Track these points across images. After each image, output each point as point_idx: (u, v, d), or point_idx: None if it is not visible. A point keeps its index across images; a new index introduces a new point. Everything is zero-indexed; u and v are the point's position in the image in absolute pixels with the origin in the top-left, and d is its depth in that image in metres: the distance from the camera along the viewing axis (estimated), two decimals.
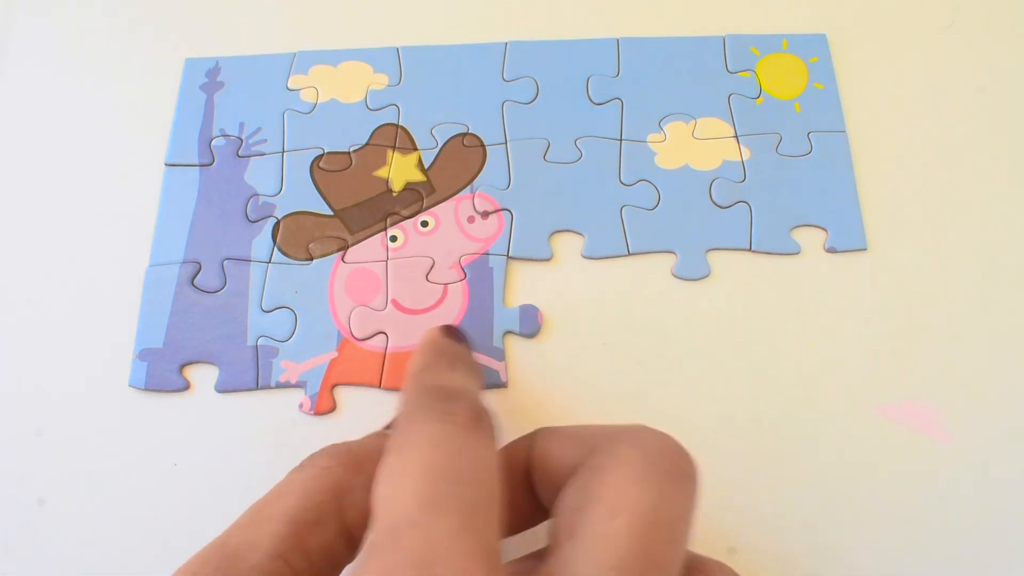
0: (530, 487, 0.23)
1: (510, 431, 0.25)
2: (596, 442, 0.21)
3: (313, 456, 0.23)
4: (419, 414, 0.21)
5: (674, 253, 0.35)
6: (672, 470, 0.20)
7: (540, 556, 0.21)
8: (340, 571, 0.22)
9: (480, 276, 0.34)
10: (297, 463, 0.32)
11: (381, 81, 0.39)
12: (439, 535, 0.17)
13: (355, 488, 0.21)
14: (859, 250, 0.35)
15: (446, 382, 0.24)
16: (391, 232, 0.35)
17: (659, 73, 0.39)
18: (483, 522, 0.18)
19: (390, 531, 0.18)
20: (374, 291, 0.34)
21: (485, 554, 0.18)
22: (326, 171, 0.37)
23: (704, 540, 0.30)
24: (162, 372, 0.33)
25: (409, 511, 0.18)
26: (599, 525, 0.18)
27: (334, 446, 0.23)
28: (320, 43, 0.40)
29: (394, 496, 0.19)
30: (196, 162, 0.37)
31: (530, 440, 0.23)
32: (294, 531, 0.20)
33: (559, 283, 0.34)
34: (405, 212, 0.36)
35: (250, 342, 0.33)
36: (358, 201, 0.36)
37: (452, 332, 0.28)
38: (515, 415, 0.32)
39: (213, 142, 0.37)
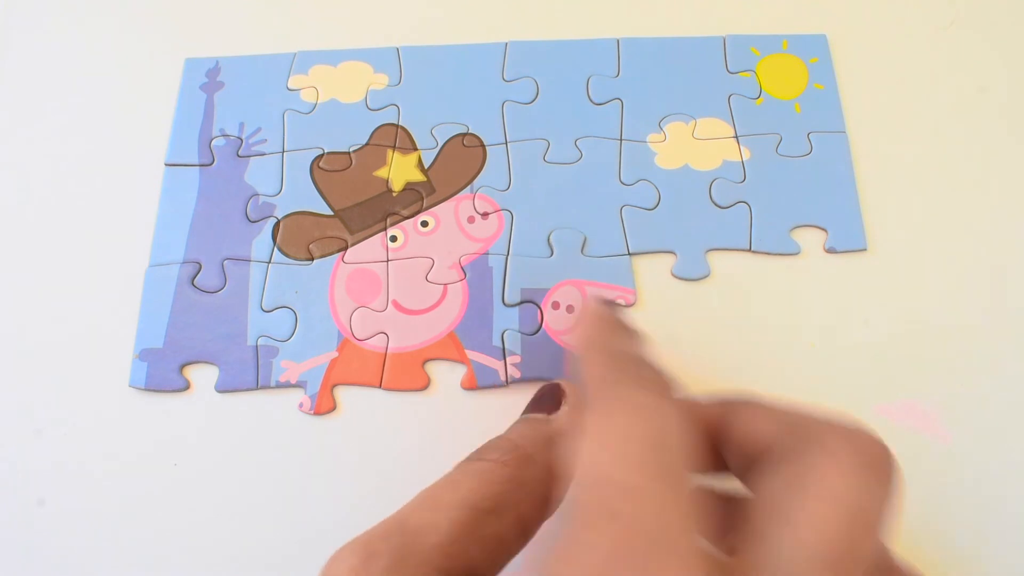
0: (714, 446, 0.24)
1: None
2: (804, 428, 0.21)
3: (480, 450, 0.24)
4: (618, 381, 0.21)
5: (674, 253, 0.35)
6: (880, 468, 0.20)
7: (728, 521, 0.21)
8: (508, 560, 0.22)
9: (480, 276, 0.34)
10: (297, 462, 0.32)
11: (381, 81, 0.39)
12: (659, 505, 0.17)
13: (528, 481, 0.22)
14: (859, 250, 0.35)
15: (632, 350, 0.24)
16: (391, 232, 0.35)
17: (659, 73, 0.39)
18: (688, 490, 0.18)
19: (603, 496, 0.17)
20: (374, 291, 0.34)
21: (694, 525, 0.18)
22: (326, 171, 0.37)
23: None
24: (162, 372, 0.33)
25: (626, 476, 0.18)
26: (809, 513, 0.19)
27: (499, 440, 0.24)
28: (320, 43, 0.40)
29: (608, 461, 0.18)
30: (196, 162, 0.37)
31: (726, 405, 0.24)
32: (473, 517, 0.21)
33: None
34: (405, 212, 0.36)
35: (250, 342, 0.33)
36: (358, 201, 0.36)
37: (610, 304, 0.29)
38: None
39: (213, 142, 0.37)
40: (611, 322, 0.26)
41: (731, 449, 0.23)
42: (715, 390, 0.24)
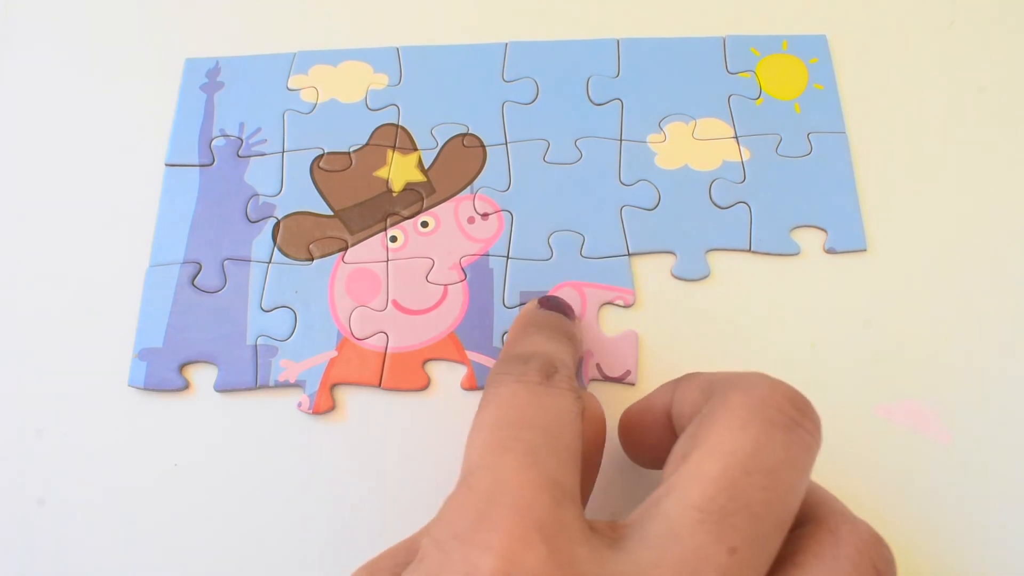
0: (673, 428, 0.24)
1: None
2: (715, 389, 0.21)
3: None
4: (496, 379, 0.23)
5: (674, 253, 0.35)
6: (777, 417, 0.19)
7: None
8: None
9: (480, 277, 0.34)
10: (296, 462, 0.32)
11: (381, 81, 0.39)
12: (504, 472, 0.19)
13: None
14: (859, 251, 0.35)
15: (526, 348, 0.25)
16: (391, 232, 0.35)
17: (659, 73, 0.39)
18: (552, 459, 0.20)
19: (464, 478, 0.20)
20: (374, 291, 0.34)
21: (550, 485, 0.19)
22: (326, 171, 0.37)
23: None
24: (161, 372, 0.33)
25: (479, 457, 0.21)
26: (692, 467, 0.19)
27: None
28: (320, 43, 0.40)
29: (468, 450, 0.21)
30: (196, 162, 0.37)
31: (675, 384, 0.25)
32: None
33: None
34: (405, 212, 0.36)
35: (249, 341, 0.33)
36: (358, 201, 0.36)
37: (547, 302, 0.30)
38: None
39: (213, 142, 0.37)
40: (527, 323, 0.28)
41: (676, 426, 0.24)
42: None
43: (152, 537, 0.31)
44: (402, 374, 0.33)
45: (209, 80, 0.39)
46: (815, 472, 0.31)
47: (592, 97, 0.38)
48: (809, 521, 0.21)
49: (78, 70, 0.40)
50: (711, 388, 0.22)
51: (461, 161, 0.37)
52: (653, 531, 0.18)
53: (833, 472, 0.31)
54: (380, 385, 0.33)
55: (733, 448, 0.19)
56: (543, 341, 0.26)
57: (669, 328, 0.34)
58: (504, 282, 0.34)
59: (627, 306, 0.34)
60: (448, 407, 0.32)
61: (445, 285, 0.34)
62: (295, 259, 0.35)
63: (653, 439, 0.25)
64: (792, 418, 0.20)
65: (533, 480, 0.19)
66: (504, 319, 0.34)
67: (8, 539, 0.31)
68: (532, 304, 0.30)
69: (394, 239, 0.35)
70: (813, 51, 0.39)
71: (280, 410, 0.32)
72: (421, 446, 0.32)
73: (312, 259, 0.35)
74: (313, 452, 0.32)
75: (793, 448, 0.19)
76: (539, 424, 0.21)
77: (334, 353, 0.33)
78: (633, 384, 0.33)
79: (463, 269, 0.35)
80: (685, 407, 0.23)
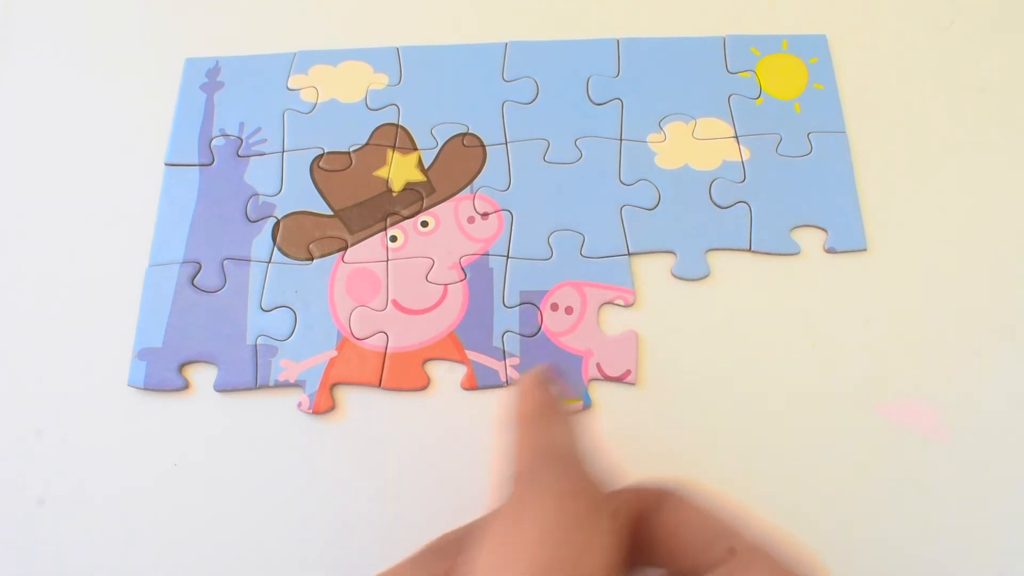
0: (632, 536, 0.23)
1: None
2: (735, 544, 0.21)
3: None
4: (533, 479, 0.21)
5: (674, 253, 0.35)
6: None
7: None
8: None
9: (480, 276, 0.34)
10: (296, 461, 0.32)
11: (381, 81, 0.39)
12: None
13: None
14: (859, 250, 0.35)
15: (562, 440, 0.23)
16: (391, 232, 0.35)
17: (659, 73, 0.39)
18: None
19: None
20: (374, 291, 0.34)
21: None
22: (326, 171, 0.37)
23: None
24: (161, 371, 0.33)
25: None
26: None
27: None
28: (320, 43, 0.40)
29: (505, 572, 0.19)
30: (196, 162, 0.37)
31: (659, 500, 0.23)
32: None
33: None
34: (405, 212, 0.36)
35: (249, 341, 0.33)
36: (358, 201, 0.36)
37: (548, 375, 0.27)
38: None
39: (213, 142, 0.37)
40: (548, 405, 0.25)
41: (658, 547, 0.23)
42: (642, 479, 0.23)
43: (152, 537, 0.31)
44: (402, 374, 0.33)
45: (209, 80, 0.39)
46: (816, 468, 0.31)
47: (592, 97, 0.38)
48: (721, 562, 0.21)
49: (78, 70, 0.40)
50: (729, 539, 0.21)
51: (461, 161, 0.37)
52: None
53: (833, 472, 0.31)
54: (380, 385, 0.33)
55: None
56: (570, 433, 0.24)
57: (669, 328, 0.34)
58: (504, 282, 0.34)
59: (627, 306, 0.34)
60: (448, 407, 0.32)
61: (445, 285, 0.34)
62: (295, 259, 0.35)
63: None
64: None
65: None
66: (504, 319, 0.34)
67: (8, 539, 0.31)
68: (534, 377, 0.26)
69: (394, 239, 0.35)
70: (813, 51, 0.39)
71: (280, 410, 0.32)
72: (421, 446, 0.32)
73: (312, 259, 0.35)
74: (313, 452, 0.32)
75: None
76: (583, 562, 0.20)
77: (334, 353, 0.33)
78: (633, 384, 0.33)
79: (463, 269, 0.35)
80: (685, 541, 0.22)
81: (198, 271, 0.35)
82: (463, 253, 0.35)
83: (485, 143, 0.37)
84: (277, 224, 0.36)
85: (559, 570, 0.19)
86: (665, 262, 0.35)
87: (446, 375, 0.33)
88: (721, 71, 0.39)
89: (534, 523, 0.19)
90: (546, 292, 0.34)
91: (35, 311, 0.34)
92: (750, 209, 0.36)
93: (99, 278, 0.35)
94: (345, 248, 0.35)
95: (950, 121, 0.38)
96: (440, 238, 0.35)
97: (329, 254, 0.35)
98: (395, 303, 0.34)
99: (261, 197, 0.36)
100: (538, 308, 0.34)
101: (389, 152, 0.37)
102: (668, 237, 0.35)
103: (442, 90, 0.38)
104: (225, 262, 0.35)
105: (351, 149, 0.37)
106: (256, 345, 0.33)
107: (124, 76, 0.40)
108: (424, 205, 0.36)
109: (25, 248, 0.36)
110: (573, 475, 0.21)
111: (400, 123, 0.38)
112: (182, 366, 0.33)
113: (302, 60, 0.39)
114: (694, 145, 0.37)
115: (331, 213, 0.36)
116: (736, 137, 0.37)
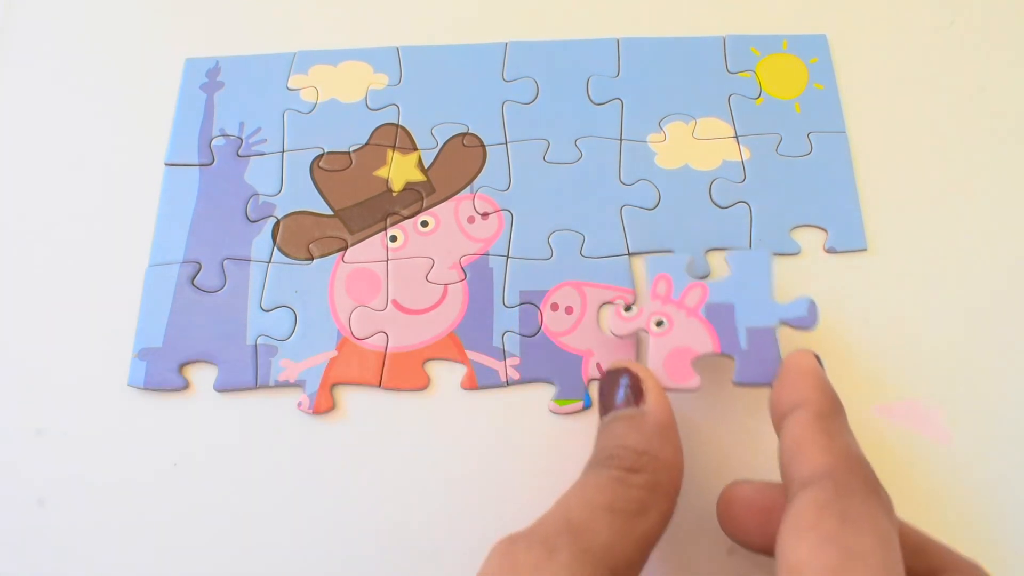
0: None
1: None
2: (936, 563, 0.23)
3: (606, 460, 0.25)
4: (854, 491, 0.22)
5: (674, 253, 0.35)
6: None
7: None
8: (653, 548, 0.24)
9: (480, 276, 0.34)
10: (296, 461, 0.32)
11: (381, 81, 0.39)
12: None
13: (661, 481, 0.25)
14: (859, 250, 0.35)
15: (856, 447, 0.24)
16: (391, 232, 0.35)
17: (659, 73, 0.39)
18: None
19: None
20: (374, 291, 0.34)
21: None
22: (326, 171, 0.37)
23: (703, 540, 0.30)
24: (161, 371, 0.33)
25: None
26: None
27: (619, 448, 0.25)
28: (320, 43, 0.40)
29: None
30: (196, 162, 0.37)
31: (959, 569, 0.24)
32: (625, 520, 0.23)
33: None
34: (405, 212, 0.36)
35: (249, 341, 0.33)
36: (358, 201, 0.36)
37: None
38: None
39: (213, 142, 0.37)
40: (839, 402, 0.26)
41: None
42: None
43: (152, 537, 0.31)
44: (402, 374, 0.33)
45: (209, 80, 0.39)
46: None
47: (592, 97, 0.38)
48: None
49: (78, 69, 0.40)
50: (923, 549, 0.23)
51: (461, 161, 0.37)
52: None
53: None
54: (380, 385, 0.33)
55: None
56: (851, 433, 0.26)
57: None
58: (504, 281, 0.34)
59: (627, 306, 0.34)
60: (448, 407, 0.32)
61: (445, 285, 0.34)
62: (295, 259, 0.35)
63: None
64: None
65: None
66: (504, 318, 0.34)
67: (8, 539, 0.31)
68: (806, 356, 0.28)
69: (394, 239, 0.35)
70: (813, 51, 0.39)
71: (280, 410, 0.32)
72: (421, 446, 0.32)
73: (312, 259, 0.35)
74: (313, 452, 0.32)
75: None
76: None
77: (334, 353, 0.33)
78: None
79: (463, 269, 0.35)
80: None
81: (198, 271, 0.35)
82: (463, 253, 0.35)
83: (485, 143, 0.37)
84: (277, 224, 0.36)
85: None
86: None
87: (446, 375, 0.33)
88: (721, 71, 0.39)
89: (873, 532, 0.21)
90: (546, 292, 0.34)
91: (35, 311, 0.35)
92: (750, 209, 0.36)
93: (99, 278, 0.35)
94: (345, 248, 0.35)
95: (950, 121, 0.38)
96: (440, 238, 0.35)
97: (329, 254, 0.35)
98: (395, 303, 0.34)
99: (261, 197, 0.36)
100: (538, 308, 0.34)
101: (389, 152, 0.37)
102: (668, 237, 0.35)
103: (442, 90, 0.38)
104: (225, 262, 0.35)
105: (351, 149, 0.37)
106: (256, 345, 0.33)
107: (124, 76, 0.40)
108: (424, 205, 0.36)
109: (25, 248, 0.36)
110: (882, 489, 0.23)
111: (400, 123, 0.38)
112: (182, 366, 0.33)
113: (302, 60, 0.39)
114: (694, 145, 0.37)
115: (331, 213, 0.36)
116: (736, 137, 0.37)
